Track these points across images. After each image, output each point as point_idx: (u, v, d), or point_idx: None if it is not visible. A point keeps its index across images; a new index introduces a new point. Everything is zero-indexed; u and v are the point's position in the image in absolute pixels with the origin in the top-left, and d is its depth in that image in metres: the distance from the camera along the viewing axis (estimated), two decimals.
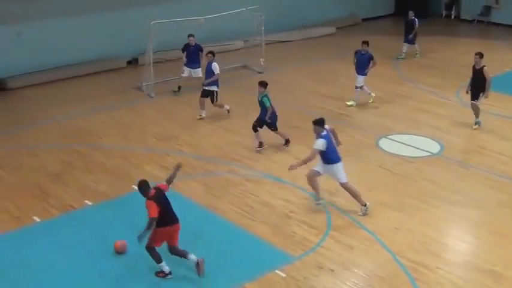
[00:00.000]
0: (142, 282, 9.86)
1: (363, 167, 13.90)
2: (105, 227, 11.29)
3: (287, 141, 14.89)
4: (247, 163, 14.06)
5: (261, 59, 21.00)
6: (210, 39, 22.04)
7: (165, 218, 9.69)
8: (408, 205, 12.23)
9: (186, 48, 18.14)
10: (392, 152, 14.72)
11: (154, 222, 9.50)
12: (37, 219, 11.61)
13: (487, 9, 28.94)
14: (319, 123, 11.61)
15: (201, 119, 16.63)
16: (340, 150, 14.50)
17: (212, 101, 16.62)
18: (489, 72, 15.60)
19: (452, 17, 30.04)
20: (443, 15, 30.44)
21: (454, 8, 30.01)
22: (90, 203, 12.01)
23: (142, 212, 11.69)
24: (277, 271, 10.09)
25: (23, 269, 10.16)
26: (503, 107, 17.65)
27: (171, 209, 9.87)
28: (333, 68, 21.47)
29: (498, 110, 17.44)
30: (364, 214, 11.77)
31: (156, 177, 13.20)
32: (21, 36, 19.50)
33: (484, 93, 15.72)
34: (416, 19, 22.76)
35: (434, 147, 14.98)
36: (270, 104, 14.37)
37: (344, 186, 11.81)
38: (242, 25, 21.11)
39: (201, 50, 18.14)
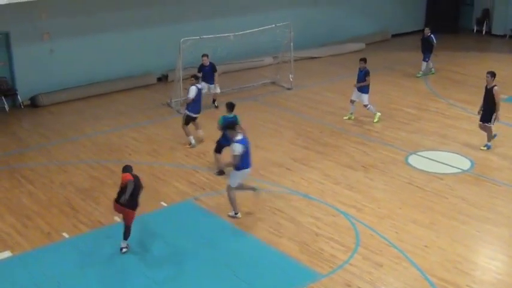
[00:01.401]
0: None
1: (393, 184, 13.78)
2: (132, 244, 11.32)
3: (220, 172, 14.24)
4: (274, 179, 14.03)
5: (290, 75, 21.02)
6: (239, 56, 22.20)
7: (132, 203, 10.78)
8: (438, 222, 12.07)
9: (202, 68, 18.30)
10: (422, 168, 14.57)
11: (132, 184, 10.63)
12: (66, 235, 11.71)
13: None
14: (230, 129, 12.06)
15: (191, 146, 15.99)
16: (370, 167, 14.53)
17: (184, 123, 15.98)
18: (500, 92, 15.22)
19: (484, 32, 29.76)
20: (475, 30, 30.17)
21: (485, 23, 29.72)
22: (119, 220, 12.07)
23: (171, 226, 11.80)
24: None
25: (53, 285, 10.21)
26: None
27: (136, 196, 10.84)
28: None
29: None
30: (233, 217, 12.19)
31: (184, 193, 13.30)
32: (54, 53, 19.80)
33: (495, 115, 15.31)
34: (433, 36, 22.06)
35: (465, 164, 14.80)
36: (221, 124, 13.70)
37: (227, 188, 12.20)
38: (272, 41, 21.16)
39: (215, 71, 18.30)
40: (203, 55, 18.22)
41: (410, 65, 22.99)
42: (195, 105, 15.70)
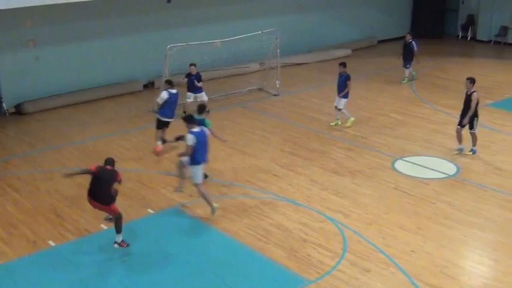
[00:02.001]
0: None
1: (379, 189, 13.81)
2: (120, 251, 11.27)
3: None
4: (261, 186, 14.03)
5: (277, 82, 21.07)
6: (226, 62, 22.21)
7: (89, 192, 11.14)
8: (425, 227, 12.11)
9: (188, 77, 18.29)
10: (408, 173, 14.62)
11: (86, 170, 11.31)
12: (52, 243, 11.62)
13: (504, 30, 28.86)
14: (186, 120, 12.29)
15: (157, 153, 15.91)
16: (356, 172, 14.56)
17: (156, 127, 16.00)
18: (476, 99, 15.07)
19: (469, 38, 29.98)
20: (460, 36, 30.39)
21: (470, 29, 29.96)
22: (105, 227, 12.00)
23: (158, 233, 11.76)
24: None
25: None
26: None
27: (97, 189, 11.04)
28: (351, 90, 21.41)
29: None
30: (214, 212, 12.42)
31: (171, 200, 13.26)
32: (39, 60, 19.73)
33: (476, 119, 15.24)
34: (414, 42, 21.99)
35: (451, 169, 14.86)
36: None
37: (195, 187, 12.42)
38: (258, 48, 21.21)
39: (200, 81, 18.26)
40: (191, 64, 18.19)
41: (396, 71, 23.09)
42: (166, 109, 15.66)
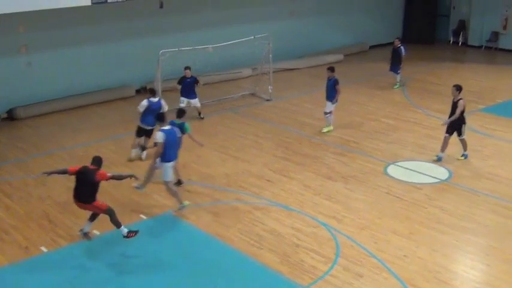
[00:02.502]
0: None
1: (372, 194, 13.84)
2: (113, 257, 11.25)
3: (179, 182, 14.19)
4: (255, 191, 14.03)
5: (269, 87, 21.09)
6: (219, 68, 22.22)
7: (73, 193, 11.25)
8: (417, 232, 12.14)
9: (183, 80, 18.31)
10: (401, 178, 14.65)
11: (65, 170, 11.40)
12: (44, 249, 11.58)
13: (495, 35, 29.01)
14: (157, 118, 12.99)
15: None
16: (349, 177, 14.59)
17: (136, 134, 15.93)
18: (462, 107, 15.03)
19: (460, 43, 30.12)
20: (451, 41, 30.53)
21: (461, 35, 30.10)
22: (98, 233, 11.97)
23: (151, 239, 11.75)
24: None
25: None
26: None
27: (79, 189, 11.21)
28: (340, 95, 21.45)
29: (508, 136, 17.41)
30: (182, 209, 12.78)
31: (164, 206, 13.24)
32: (31, 66, 19.68)
33: (463, 126, 15.22)
34: (403, 47, 22.08)
35: (443, 174, 14.91)
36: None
37: (165, 184, 12.75)
38: (250, 53, 21.25)
39: (197, 82, 18.33)
40: (185, 68, 18.22)
41: (387, 76, 23.13)
42: (146, 117, 15.54)
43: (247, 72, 23.92)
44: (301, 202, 13.46)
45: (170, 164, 12.67)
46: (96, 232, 11.93)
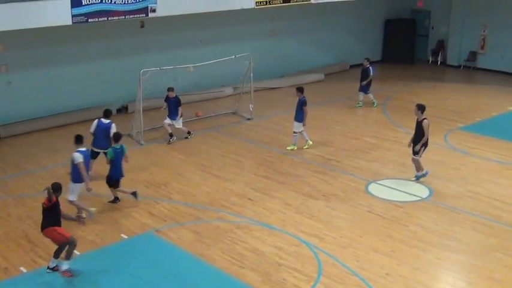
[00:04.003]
0: None
1: (353, 213, 13.88)
2: (93, 276, 11.14)
3: (116, 199, 14.42)
4: (236, 210, 14.00)
5: (250, 106, 21.14)
6: (200, 87, 22.25)
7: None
8: (399, 250, 12.17)
9: (167, 100, 18.43)
10: (382, 197, 14.72)
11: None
12: (24, 270, 11.45)
13: (473, 55, 29.37)
14: (75, 140, 13.23)
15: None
16: (331, 195, 14.62)
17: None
18: (427, 127, 15.12)
19: (439, 62, 30.45)
20: (430, 61, 30.85)
21: (440, 54, 30.43)
22: (78, 253, 11.86)
23: (132, 259, 11.65)
24: None
25: None
26: (491, 151, 17.80)
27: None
28: (321, 114, 21.62)
29: (487, 154, 17.57)
30: (91, 216, 13.02)
31: (145, 225, 13.16)
32: (11, 85, 19.56)
33: (423, 147, 15.21)
34: (371, 68, 22.33)
35: (423, 192, 15.00)
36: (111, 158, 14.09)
37: (71, 203, 13.08)
38: (232, 72, 21.29)
39: (179, 104, 18.36)
40: (168, 89, 18.28)
41: (368, 95, 23.28)
42: (95, 139, 15.59)
43: (228, 91, 23.97)
44: (283, 221, 13.45)
45: (80, 185, 13.07)
46: (76, 252, 11.82)
